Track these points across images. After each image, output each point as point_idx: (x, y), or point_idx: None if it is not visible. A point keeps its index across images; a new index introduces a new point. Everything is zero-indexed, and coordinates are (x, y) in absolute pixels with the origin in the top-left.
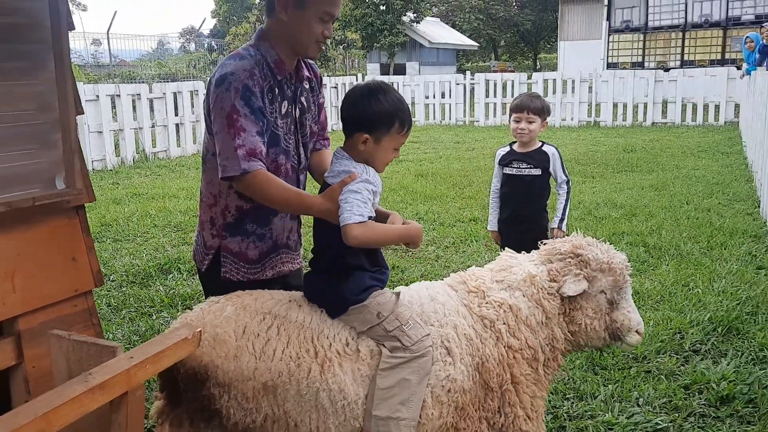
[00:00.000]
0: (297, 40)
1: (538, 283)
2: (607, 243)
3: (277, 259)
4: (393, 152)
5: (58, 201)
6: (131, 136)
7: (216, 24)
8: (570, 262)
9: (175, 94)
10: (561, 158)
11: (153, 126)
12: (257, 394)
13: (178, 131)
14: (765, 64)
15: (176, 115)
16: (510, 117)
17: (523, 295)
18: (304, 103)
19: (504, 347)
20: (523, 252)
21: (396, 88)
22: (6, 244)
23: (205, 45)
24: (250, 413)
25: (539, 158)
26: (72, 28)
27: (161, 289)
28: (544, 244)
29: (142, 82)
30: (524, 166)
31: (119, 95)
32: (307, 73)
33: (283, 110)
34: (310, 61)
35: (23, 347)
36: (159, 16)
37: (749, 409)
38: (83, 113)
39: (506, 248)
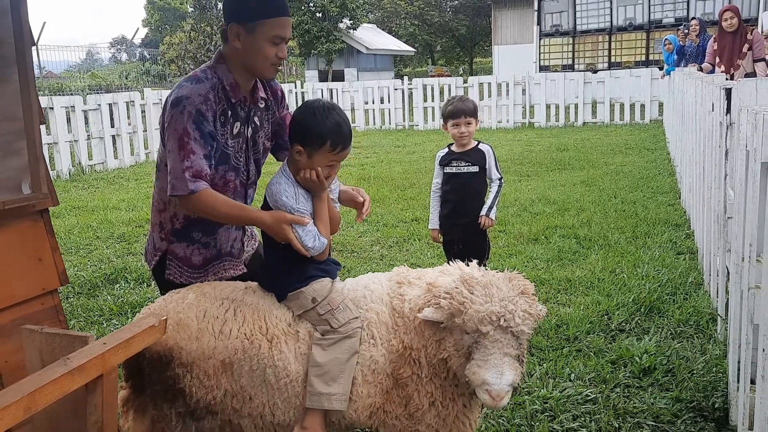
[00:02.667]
0: (252, 65)
1: (430, 292)
2: (521, 297)
3: (220, 266)
4: (326, 169)
5: (26, 205)
6: (66, 149)
7: (148, 33)
8: (454, 289)
9: (110, 105)
10: (495, 156)
11: (89, 138)
12: (217, 371)
13: (114, 143)
14: (683, 64)
15: (112, 126)
16: (447, 123)
17: (417, 299)
18: (257, 123)
19: (400, 342)
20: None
21: (337, 98)
22: None
23: (137, 55)
24: (211, 390)
25: (476, 156)
26: (34, 44)
27: (109, 298)
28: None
29: (73, 94)
30: (463, 164)
31: (52, 108)
32: (262, 94)
33: (235, 131)
34: (274, 83)
35: None
36: (87, 26)
37: (668, 378)
38: (45, 123)
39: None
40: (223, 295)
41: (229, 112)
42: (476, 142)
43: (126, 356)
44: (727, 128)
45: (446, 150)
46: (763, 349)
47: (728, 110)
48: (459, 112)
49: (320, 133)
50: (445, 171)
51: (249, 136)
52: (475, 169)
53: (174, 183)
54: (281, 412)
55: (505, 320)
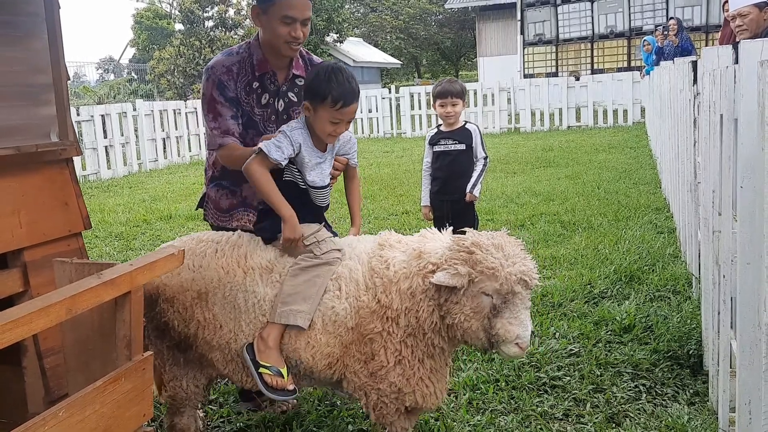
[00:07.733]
0: (270, 43)
1: (422, 258)
2: (525, 252)
3: (243, 213)
4: (331, 125)
5: (54, 150)
6: None
7: (135, 53)
8: (461, 255)
9: (103, 116)
10: (481, 135)
11: (82, 149)
12: (193, 302)
13: (107, 154)
14: (661, 64)
15: (105, 137)
16: (435, 103)
17: (405, 263)
18: (293, 98)
19: (375, 300)
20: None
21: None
22: (13, 185)
23: (125, 74)
24: (188, 322)
25: (463, 135)
26: (59, 6)
27: None
28: (464, 232)
29: None
30: (450, 142)
31: None
32: (299, 72)
33: (263, 101)
34: (317, 60)
35: (29, 276)
36: (72, 49)
37: (646, 333)
38: (70, 79)
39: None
40: (206, 238)
41: (256, 83)
42: (464, 122)
43: (150, 277)
44: (695, 98)
45: (435, 130)
46: (723, 276)
47: (695, 82)
48: (446, 92)
49: (322, 89)
50: (434, 150)
51: (280, 109)
52: (462, 147)
53: (208, 140)
54: (244, 336)
55: (530, 278)
